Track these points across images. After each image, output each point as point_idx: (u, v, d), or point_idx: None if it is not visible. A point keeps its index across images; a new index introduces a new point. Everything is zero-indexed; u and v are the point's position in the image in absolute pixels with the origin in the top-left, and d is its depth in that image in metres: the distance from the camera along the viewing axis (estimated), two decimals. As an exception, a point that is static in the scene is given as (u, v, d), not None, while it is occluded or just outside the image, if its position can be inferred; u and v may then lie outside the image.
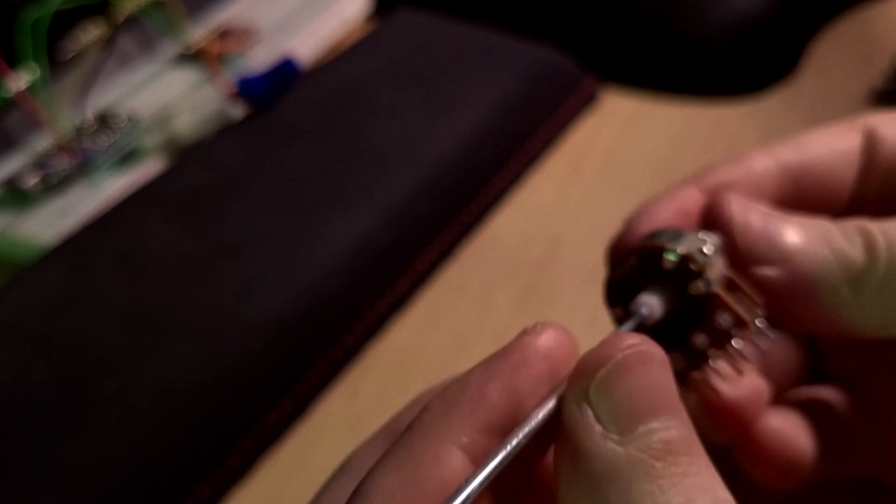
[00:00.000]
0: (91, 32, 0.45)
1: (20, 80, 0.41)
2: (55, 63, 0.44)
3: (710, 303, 0.17)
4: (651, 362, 0.14)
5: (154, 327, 0.32)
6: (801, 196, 0.21)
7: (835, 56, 0.48)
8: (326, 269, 0.34)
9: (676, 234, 0.18)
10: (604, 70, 0.47)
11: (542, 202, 0.41)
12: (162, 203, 0.37)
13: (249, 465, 0.31)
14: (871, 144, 0.20)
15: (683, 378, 0.18)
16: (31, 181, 0.40)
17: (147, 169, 0.41)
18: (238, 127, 0.42)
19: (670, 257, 0.17)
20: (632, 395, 0.13)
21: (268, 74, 0.43)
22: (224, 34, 0.50)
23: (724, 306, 0.17)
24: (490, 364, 0.15)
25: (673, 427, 0.13)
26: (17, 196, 0.40)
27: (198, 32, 0.50)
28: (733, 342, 0.18)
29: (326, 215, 0.36)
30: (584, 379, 0.14)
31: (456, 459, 0.14)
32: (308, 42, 0.50)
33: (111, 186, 0.41)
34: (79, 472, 0.28)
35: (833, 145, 0.21)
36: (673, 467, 0.13)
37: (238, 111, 0.43)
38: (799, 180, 0.20)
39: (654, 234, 0.18)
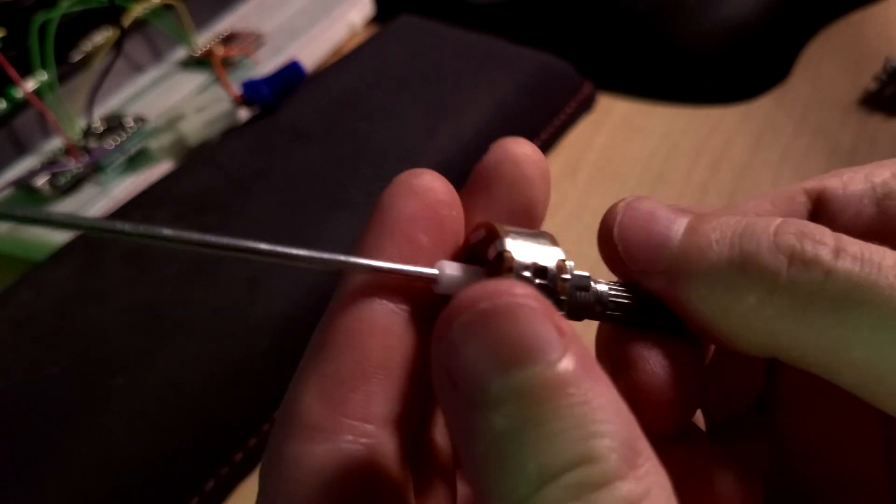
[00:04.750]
0: (100, 36, 0.46)
1: (30, 83, 0.42)
2: (64, 66, 0.44)
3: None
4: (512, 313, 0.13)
5: (161, 325, 0.32)
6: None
7: (827, 59, 0.48)
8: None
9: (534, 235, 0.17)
10: (599, 78, 0.47)
11: (541, 203, 0.41)
12: (169, 203, 0.38)
13: (254, 461, 0.31)
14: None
15: None
16: (41, 182, 0.40)
17: (155, 170, 0.42)
18: (244, 129, 0.42)
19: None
20: (494, 347, 0.13)
21: (273, 77, 0.43)
22: (230, 38, 0.50)
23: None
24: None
25: (536, 372, 0.12)
26: (28, 196, 0.41)
27: (205, 36, 0.51)
28: None
29: (330, 216, 0.36)
30: (450, 319, 0.13)
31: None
32: (313, 46, 0.50)
33: (120, 187, 0.41)
34: (87, 467, 0.28)
35: None
36: (535, 410, 0.12)
37: (244, 114, 0.43)
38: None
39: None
